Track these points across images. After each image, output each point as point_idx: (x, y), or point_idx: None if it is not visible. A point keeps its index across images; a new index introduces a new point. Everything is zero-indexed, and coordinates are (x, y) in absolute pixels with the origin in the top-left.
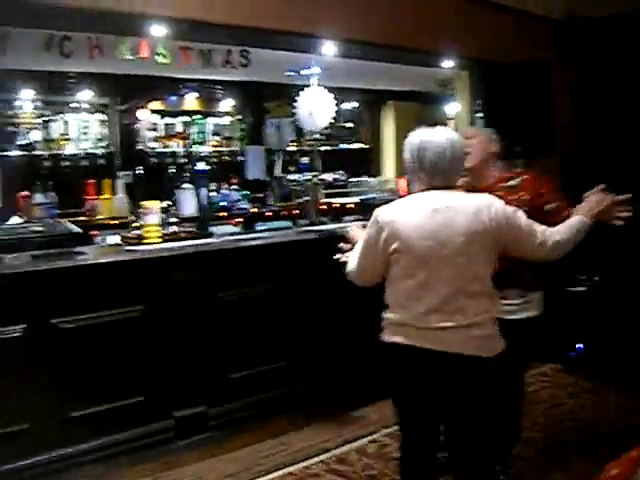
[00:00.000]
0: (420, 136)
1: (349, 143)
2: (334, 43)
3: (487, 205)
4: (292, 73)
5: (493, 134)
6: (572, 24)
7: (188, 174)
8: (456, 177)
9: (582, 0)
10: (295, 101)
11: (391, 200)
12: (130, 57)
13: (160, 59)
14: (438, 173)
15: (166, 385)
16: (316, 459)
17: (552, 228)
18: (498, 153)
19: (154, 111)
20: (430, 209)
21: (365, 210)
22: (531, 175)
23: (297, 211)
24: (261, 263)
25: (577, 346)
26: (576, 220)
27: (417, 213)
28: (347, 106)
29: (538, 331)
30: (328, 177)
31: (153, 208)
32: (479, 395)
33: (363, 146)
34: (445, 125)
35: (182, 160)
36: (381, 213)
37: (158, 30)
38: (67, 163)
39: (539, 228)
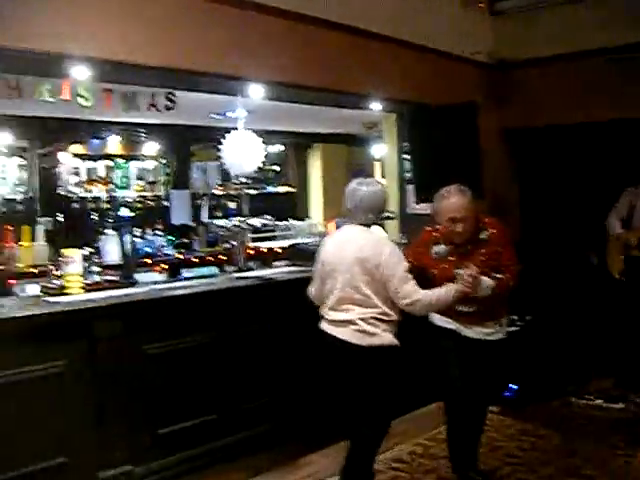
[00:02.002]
0: (353, 185)
1: (275, 186)
2: (260, 85)
3: (376, 243)
4: (218, 116)
5: (473, 200)
6: (500, 67)
7: (111, 220)
8: (373, 217)
9: (509, 44)
10: (221, 144)
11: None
12: (50, 99)
13: (82, 101)
14: (358, 213)
15: (89, 444)
16: None
17: (423, 291)
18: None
19: (75, 155)
20: (344, 237)
21: (296, 255)
22: (497, 229)
23: (224, 257)
24: (190, 313)
25: (512, 387)
26: (443, 292)
27: (336, 240)
28: (273, 149)
29: (505, 350)
30: (256, 222)
31: (74, 256)
32: (360, 374)
33: (290, 189)
34: (372, 167)
35: (105, 205)
36: (323, 241)
37: (80, 71)
38: None
39: (409, 284)
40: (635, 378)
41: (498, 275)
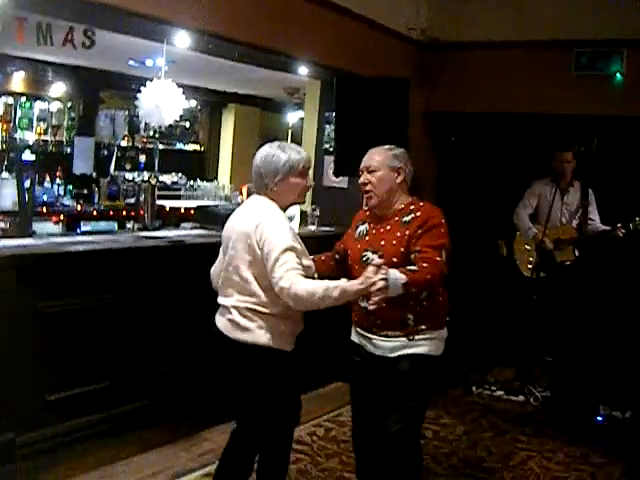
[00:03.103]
0: (267, 149)
1: (185, 144)
2: (188, 33)
3: (260, 215)
4: (136, 63)
5: (401, 161)
6: (432, 47)
7: (7, 163)
8: (266, 186)
9: (444, 25)
10: (138, 92)
11: (234, 209)
12: None
13: None
14: (255, 182)
15: None
16: None
17: (299, 279)
18: (406, 182)
19: None
20: (242, 209)
21: (205, 218)
22: (423, 212)
23: (125, 212)
24: (92, 271)
25: None
26: (323, 288)
27: (237, 212)
28: (186, 104)
29: (431, 368)
30: (167, 179)
31: None
32: (234, 370)
33: (199, 148)
34: (285, 134)
35: (2, 146)
36: None
37: None
38: None
39: (282, 267)
40: (536, 371)
41: (412, 267)
